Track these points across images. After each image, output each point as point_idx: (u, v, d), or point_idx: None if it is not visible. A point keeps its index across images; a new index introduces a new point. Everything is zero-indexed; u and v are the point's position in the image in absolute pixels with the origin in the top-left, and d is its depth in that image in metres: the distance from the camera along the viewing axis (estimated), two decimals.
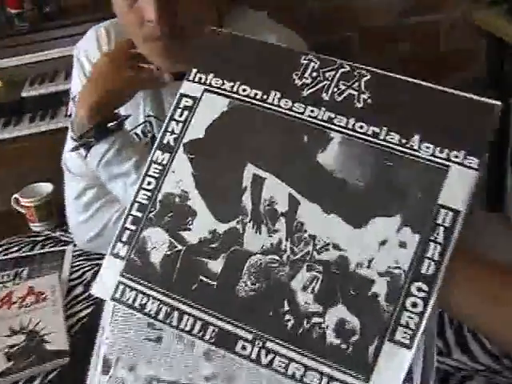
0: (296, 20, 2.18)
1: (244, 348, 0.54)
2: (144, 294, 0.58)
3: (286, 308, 0.54)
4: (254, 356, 0.54)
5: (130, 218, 0.60)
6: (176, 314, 0.57)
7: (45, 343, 0.90)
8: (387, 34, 2.43)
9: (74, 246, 1.16)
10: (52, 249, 1.18)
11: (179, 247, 0.58)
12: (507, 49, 2.23)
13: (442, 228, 0.52)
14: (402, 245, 0.53)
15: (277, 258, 0.55)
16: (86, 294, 1.02)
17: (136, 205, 0.60)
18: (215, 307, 0.56)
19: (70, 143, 1.10)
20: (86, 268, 1.09)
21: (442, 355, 0.75)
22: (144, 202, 0.60)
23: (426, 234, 0.52)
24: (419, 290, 0.51)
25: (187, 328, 0.56)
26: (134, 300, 0.58)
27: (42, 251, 1.18)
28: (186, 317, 0.56)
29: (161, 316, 0.57)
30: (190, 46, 0.93)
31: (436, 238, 0.52)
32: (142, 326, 0.59)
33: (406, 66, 2.40)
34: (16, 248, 1.20)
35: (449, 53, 2.49)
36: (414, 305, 0.51)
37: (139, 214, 0.60)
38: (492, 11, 2.27)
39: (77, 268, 1.10)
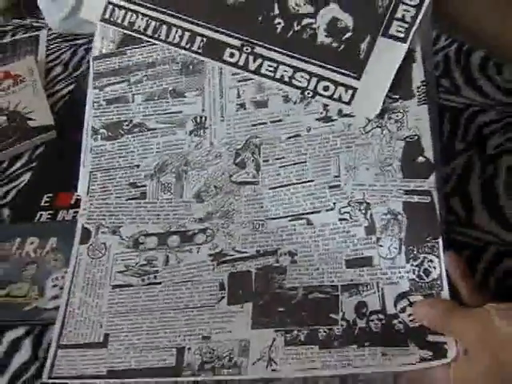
0: None
1: (232, 55, 0.59)
2: (133, 11, 0.62)
3: (276, 12, 0.57)
4: (241, 62, 0.58)
5: None
6: (164, 27, 0.61)
7: (28, 121, 0.96)
8: None
9: (49, 30, 1.18)
10: (24, 35, 1.20)
11: None
12: None
13: None
14: None
15: None
16: (66, 73, 1.06)
17: None
18: (203, 17, 0.59)
19: None
20: (64, 49, 1.12)
21: (450, 93, 0.79)
22: None
23: None
24: None
25: (175, 41, 0.60)
26: (123, 19, 0.62)
27: (13, 38, 1.20)
28: (174, 29, 0.60)
29: (149, 31, 0.61)
30: None
31: None
32: (122, 187, 0.62)
33: None
34: None
35: None
36: None
37: None
38: None
39: (53, 50, 1.12)
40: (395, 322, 0.50)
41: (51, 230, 0.76)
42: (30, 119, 0.96)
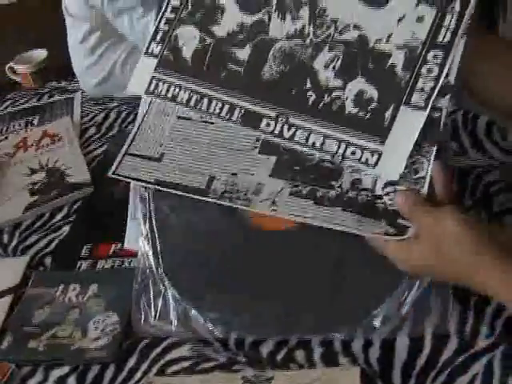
0: None
1: (268, 125, 0.64)
2: (176, 85, 0.68)
3: (308, 85, 0.63)
4: (277, 131, 0.64)
5: (164, 19, 0.70)
6: (206, 100, 0.67)
7: (66, 177, 1.01)
8: None
9: (82, 93, 1.25)
10: (60, 97, 1.27)
11: (209, 41, 0.68)
12: None
13: None
14: (420, 19, 0.61)
15: (300, 41, 0.64)
16: (99, 134, 1.12)
17: (169, 7, 0.70)
18: (242, 91, 0.65)
19: None
20: (96, 112, 1.18)
21: (458, 155, 0.85)
22: (176, 3, 0.70)
23: (442, 5, 0.60)
24: (435, 57, 0.60)
25: (216, 111, 0.66)
26: (167, 91, 0.68)
27: (50, 100, 1.26)
28: (214, 102, 0.66)
29: (191, 103, 0.67)
30: None
31: (452, 8, 0.60)
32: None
33: None
34: (23, 100, 1.29)
35: None
36: (430, 71, 0.60)
37: (172, 16, 0.70)
38: None
39: (87, 112, 1.19)
40: (378, 201, 0.61)
41: (92, 277, 0.80)
42: (68, 175, 1.02)
